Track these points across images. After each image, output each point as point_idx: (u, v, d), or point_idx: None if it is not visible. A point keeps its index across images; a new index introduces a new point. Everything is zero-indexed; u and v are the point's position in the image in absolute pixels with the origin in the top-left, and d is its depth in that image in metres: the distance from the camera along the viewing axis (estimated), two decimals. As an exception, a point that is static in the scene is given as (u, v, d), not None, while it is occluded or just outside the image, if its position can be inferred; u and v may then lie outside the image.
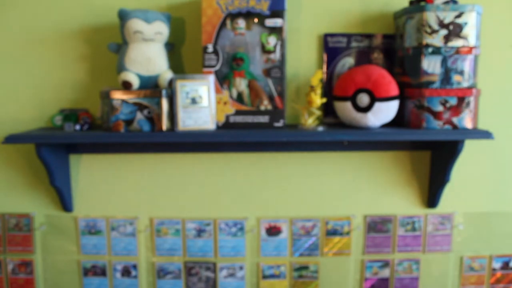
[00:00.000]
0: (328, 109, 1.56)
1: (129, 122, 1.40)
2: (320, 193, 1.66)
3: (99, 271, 1.68)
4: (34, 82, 1.58)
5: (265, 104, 1.45)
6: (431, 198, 1.63)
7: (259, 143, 1.60)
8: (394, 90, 1.40)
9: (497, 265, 1.70)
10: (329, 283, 1.70)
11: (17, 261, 1.67)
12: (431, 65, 1.39)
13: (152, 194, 1.65)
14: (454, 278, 1.70)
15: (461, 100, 1.39)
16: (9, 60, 1.57)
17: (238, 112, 1.45)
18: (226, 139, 1.44)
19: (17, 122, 1.59)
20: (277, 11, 1.41)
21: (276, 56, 1.44)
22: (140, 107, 1.40)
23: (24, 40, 1.56)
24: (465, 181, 1.65)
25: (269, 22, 1.42)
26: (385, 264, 1.69)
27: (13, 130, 1.52)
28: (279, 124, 1.45)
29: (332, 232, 1.67)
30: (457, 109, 1.40)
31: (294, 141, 1.56)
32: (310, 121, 1.47)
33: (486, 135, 1.39)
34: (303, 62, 1.58)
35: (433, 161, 1.62)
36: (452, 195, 1.64)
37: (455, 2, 1.40)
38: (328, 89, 1.56)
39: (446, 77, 1.39)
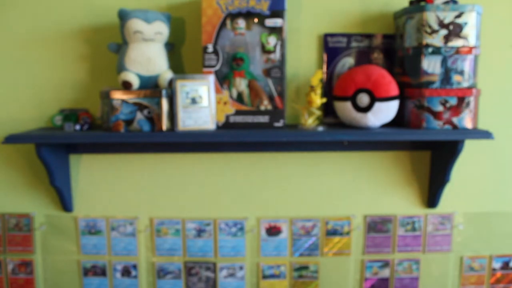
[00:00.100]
0: (328, 109, 1.56)
1: (129, 122, 1.40)
2: (320, 193, 1.66)
3: (99, 271, 1.68)
4: (34, 82, 1.58)
5: (265, 104, 1.45)
6: (431, 198, 1.63)
7: (259, 143, 1.60)
8: (394, 90, 1.40)
9: (497, 265, 1.70)
10: (329, 283, 1.70)
11: (17, 261, 1.67)
12: (431, 65, 1.39)
13: (152, 194, 1.65)
14: (454, 278, 1.70)
15: (461, 100, 1.39)
16: (9, 60, 1.57)
17: (238, 112, 1.45)
18: (226, 139, 1.44)
19: (17, 122, 1.59)
20: (277, 11, 1.41)
21: (276, 56, 1.44)
22: (140, 107, 1.40)
23: (24, 40, 1.56)
24: (465, 181, 1.65)
25: (269, 22, 1.42)
26: (385, 264, 1.69)
27: (13, 130, 1.52)
28: (279, 124, 1.45)
29: (332, 232, 1.67)
30: (457, 109, 1.40)
31: (294, 141, 1.56)
32: (310, 121, 1.47)
33: (486, 135, 1.39)
34: (303, 62, 1.58)
35: (433, 161, 1.62)
36: (452, 195, 1.64)
37: (455, 2, 1.40)
38: (328, 89, 1.56)
39: (446, 77, 1.39)
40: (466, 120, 1.41)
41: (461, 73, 1.39)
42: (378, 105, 1.38)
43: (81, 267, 1.68)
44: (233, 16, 1.42)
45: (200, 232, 1.66)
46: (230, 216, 1.66)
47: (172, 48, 1.53)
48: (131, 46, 1.41)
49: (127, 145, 1.60)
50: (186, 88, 1.40)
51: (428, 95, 1.39)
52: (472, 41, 1.38)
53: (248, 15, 1.42)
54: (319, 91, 1.45)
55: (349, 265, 1.69)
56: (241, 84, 1.45)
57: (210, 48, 1.43)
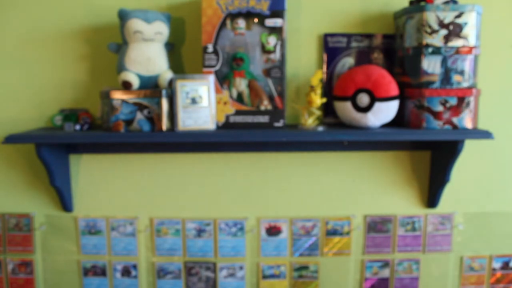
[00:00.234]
0: (328, 109, 1.56)
1: (129, 122, 1.40)
2: (320, 193, 1.66)
3: (99, 271, 1.68)
4: (34, 82, 1.58)
5: (265, 104, 1.45)
6: (431, 198, 1.63)
7: (259, 143, 1.60)
8: (394, 90, 1.40)
9: (497, 265, 1.70)
10: (329, 283, 1.70)
11: (17, 261, 1.67)
12: (431, 65, 1.39)
13: (152, 194, 1.65)
14: (454, 278, 1.70)
15: (461, 100, 1.39)
16: (9, 60, 1.57)
17: (238, 112, 1.45)
18: (226, 139, 1.44)
19: (17, 122, 1.59)
20: (277, 11, 1.41)
21: (276, 56, 1.44)
22: (140, 107, 1.40)
23: (24, 40, 1.56)
24: (465, 181, 1.65)
25: (269, 22, 1.42)
26: (385, 264, 1.69)
27: (13, 130, 1.52)
28: (279, 124, 1.45)
29: (332, 232, 1.67)
30: (457, 109, 1.40)
31: (294, 141, 1.56)
32: (310, 121, 1.47)
33: (486, 135, 1.39)
34: (303, 62, 1.58)
35: (433, 161, 1.62)
36: (452, 195, 1.64)
37: (455, 2, 1.40)
38: (328, 89, 1.56)
39: (446, 77, 1.39)
40: (466, 120, 1.41)
41: (461, 73, 1.39)
42: (378, 105, 1.38)
43: (81, 267, 1.68)
44: (233, 16, 1.42)
45: (200, 232, 1.66)
46: (230, 216, 1.66)
47: (172, 48, 1.53)
48: (131, 46, 1.41)
49: (127, 145, 1.60)
50: (186, 88, 1.40)
51: (428, 95, 1.39)
52: (472, 41, 1.38)
53: (248, 15, 1.42)
54: (319, 91, 1.45)
55: (349, 265, 1.69)
56: (241, 84, 1.45)
57: (210, 48, 1.43)
